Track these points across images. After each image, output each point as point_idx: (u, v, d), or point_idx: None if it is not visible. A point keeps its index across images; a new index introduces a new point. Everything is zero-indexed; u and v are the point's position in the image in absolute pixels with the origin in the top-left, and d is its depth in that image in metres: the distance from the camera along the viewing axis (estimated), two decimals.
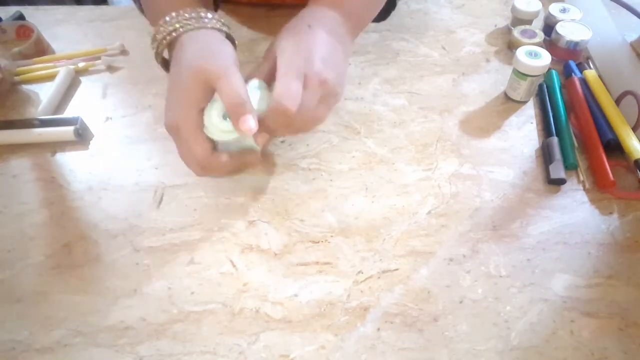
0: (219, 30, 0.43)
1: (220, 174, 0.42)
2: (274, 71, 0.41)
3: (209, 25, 0.42)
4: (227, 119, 0.39)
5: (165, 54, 0.45)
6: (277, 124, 0.40)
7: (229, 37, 0.45)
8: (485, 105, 0.57)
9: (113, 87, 0.59)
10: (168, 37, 0.42)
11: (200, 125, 0.39)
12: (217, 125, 0.39)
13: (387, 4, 0.53)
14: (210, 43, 0.41)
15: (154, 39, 0.43)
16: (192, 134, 0.39)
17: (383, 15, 0.54)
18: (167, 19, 0.42)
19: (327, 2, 0.46)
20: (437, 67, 0.62)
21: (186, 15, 0.41)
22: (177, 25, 0.41)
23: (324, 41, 0.42)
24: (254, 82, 0.42)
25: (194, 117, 0.39)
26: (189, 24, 0.41)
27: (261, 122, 0.39)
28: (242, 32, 0.67)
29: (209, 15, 0.43)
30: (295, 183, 0.48)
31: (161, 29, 0.42)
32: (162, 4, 0.43)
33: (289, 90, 0.38)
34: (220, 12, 0.69)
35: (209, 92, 0.39)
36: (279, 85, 0.39)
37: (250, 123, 0.38)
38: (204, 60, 0.39)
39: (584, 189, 0.48)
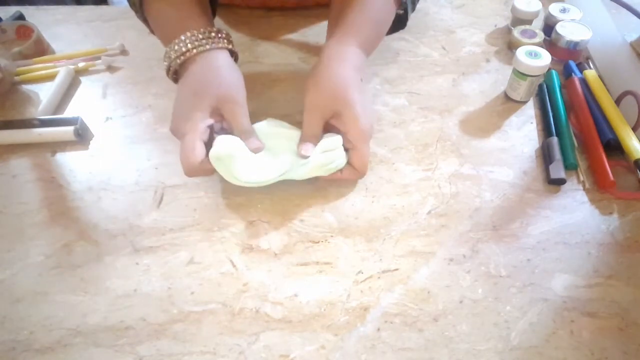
0: (227, 49, 0.48)
1: (205, 174, 0.46)
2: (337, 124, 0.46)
3: (219, 45, 0.46)
4: (249, 174, 0.44)
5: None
6: (351, 180, 0.49)
7: (234, 52, 0.49)
8: (485, 105, 0.57)
9: (113, 87, 0.59)
10: (182, 57, 0.45)
11: (200, 136, 0.43)
12: (242, 179, 0.44)
13: (395, 25, 0.55)
14: (222, 68, 0.46)
15: (166, 56, 0.47)
16: (192, 143, 0.43)
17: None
18: (182, 38, 0.45)
19: (354, 40, 0.48)
20: (437, 67, 0.62)
21: (200, 36, 0.45)
22: (190, 46, 0.45)
23: (368, 95, 0.49)
24: (333, 141, 0.46)
25: (199, 130, 0.43)
26: (202, 45, 0.45)
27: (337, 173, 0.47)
28: (242, 33, 0.67)
29: (219, 35, 0.47)
30: (295, 183, 0.48)
31: (175, 47, 0.45)
32: (173, 24, 0.47)
33: (366, 159, 0.46)
34: (219, 13, 0.69)
35: (216, 113, 0.45)
36: (360, 157, 0.45)
37: (257, 143, 0.45)
38: (217, 87, 0.44)
39: (584, 189, 0.48)
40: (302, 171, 0.45)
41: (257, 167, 0.45)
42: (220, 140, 0.43)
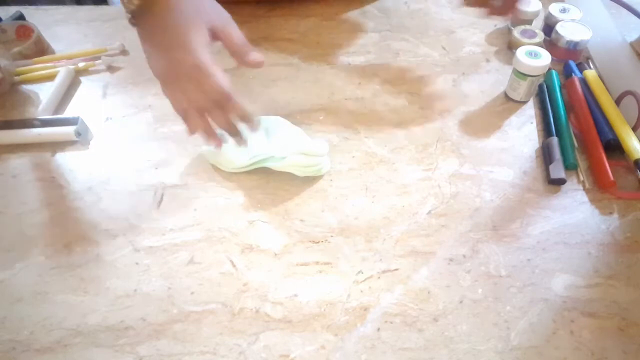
0: None
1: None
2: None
3: None
4: (231, 163, 0.48)
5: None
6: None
7: None
8: (485, 105, 0.57)
9: (113, 87, 0.59)
10: None
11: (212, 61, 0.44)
12: (237, 164, 0.48)
13: None
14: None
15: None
16: (214, 67, 0.42)
17: None
18: None
19: None
20: (437, 67, 0.62)
21: None
22: None
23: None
24: (316, 148, 0.48)
25: (209, 55, 0.43)
26: None
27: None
28: (242, 32, 0.66)
29: None
30: (295, 183, 0.48)
31: None
32: None
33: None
34: None
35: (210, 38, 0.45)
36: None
37: (257, 56, 0.46)
38: (207, 14, 0.45)
39: (584, 189, 0.48)
40: (279, 164, 0.47)
41: (237, 155, 0.48)
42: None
